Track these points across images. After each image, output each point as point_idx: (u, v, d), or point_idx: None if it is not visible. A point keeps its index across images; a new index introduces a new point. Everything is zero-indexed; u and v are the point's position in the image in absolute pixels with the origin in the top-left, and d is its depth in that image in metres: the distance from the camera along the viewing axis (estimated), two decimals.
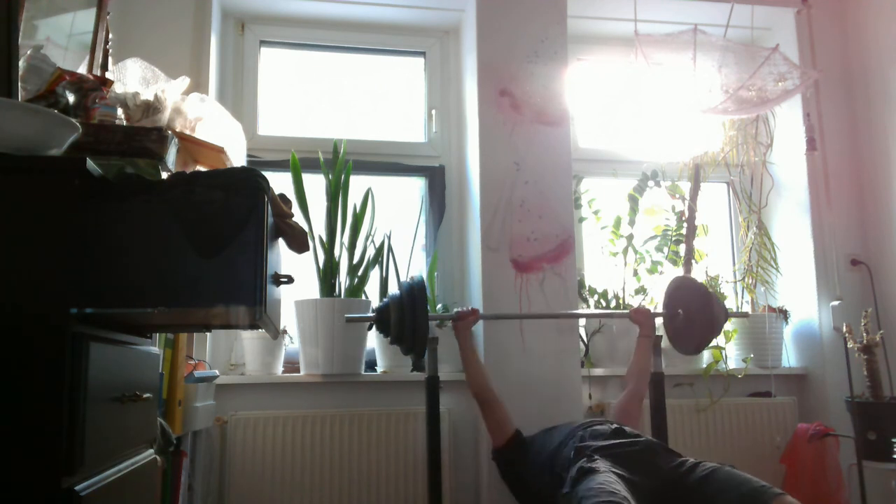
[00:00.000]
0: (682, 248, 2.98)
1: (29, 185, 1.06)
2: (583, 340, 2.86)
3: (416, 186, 3.03)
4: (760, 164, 3.11)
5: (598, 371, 2.79)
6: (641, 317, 2.41)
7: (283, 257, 1.58)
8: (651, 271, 2.99)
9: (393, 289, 2.46)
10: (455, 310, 2.34)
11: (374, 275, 2.72)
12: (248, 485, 2.42)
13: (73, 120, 1.15)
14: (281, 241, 1.55)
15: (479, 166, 2.68)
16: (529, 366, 2.55)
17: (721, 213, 3.32)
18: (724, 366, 2.88)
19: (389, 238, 2.76)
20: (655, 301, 2.93)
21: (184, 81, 1.82)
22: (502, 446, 2.19)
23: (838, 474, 2.63)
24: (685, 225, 2.99)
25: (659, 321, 2.50)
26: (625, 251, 2.95)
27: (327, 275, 2.61)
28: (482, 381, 2.24)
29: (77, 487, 1.05)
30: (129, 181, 1.21)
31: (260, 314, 1.20)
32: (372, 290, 2.73)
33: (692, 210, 2.99)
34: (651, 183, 3.01)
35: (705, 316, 2.37)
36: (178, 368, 1.91)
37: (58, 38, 1.73)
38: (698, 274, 2.97)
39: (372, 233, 2.72)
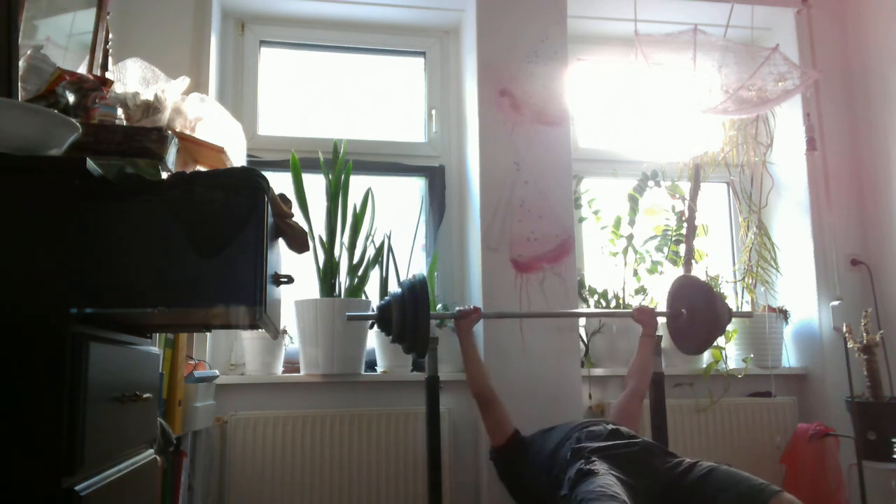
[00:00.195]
0: (682, 248, 2.98)
1: (29, 185, 1.06)
2: (583, 340, 2.86)
3: (416, 186, 3.03)
4: (760, 164, 3.11)
5: (597, 371, 2.79)
6: (644, 316, 2.39)
7: (283, 257, 1.58)
8: (651, 271, 2.99)
9: (393, 289, 2.46)
10: (457, 308, 2.34)
11: (374, 275, 2.72)
12: (248, 485, 2.42)
13: (73, 120, 1.15)
14: (281, 241, 1.55)
15: (479, 166, 2.68)
16: (529, 366, 2.56)
17: (721, 213, 3.32)
18: (724, 366, 2.88)
19: (389, 238, 2.76)
20: (656, 301, 2.93)
21: (184, 81, 1.82)
22: (501, 446, 2.19)
23: (838, 474, 2.63)
24: (685, 225, 2.99)
25: (660, 321, 2.49)
26: (625, 251, 2.95)
27: (327, 275, 2.61)
28: (483, 381, 2.23)
29: (77, 487, 1.05)
30: (129, 181, 1.21)
31: (260, 314, 1.21)
32: (372, 291, 2.73)
33: (692, 210, 2.99)
34: (651, 183, 3.01)
35: (709, 315, 2.36)
36: (178, 368, 1.91)
37: (58, 38, 1.73)
38: (698, 274, 2.97)
39: (372, 233, 2.72)
